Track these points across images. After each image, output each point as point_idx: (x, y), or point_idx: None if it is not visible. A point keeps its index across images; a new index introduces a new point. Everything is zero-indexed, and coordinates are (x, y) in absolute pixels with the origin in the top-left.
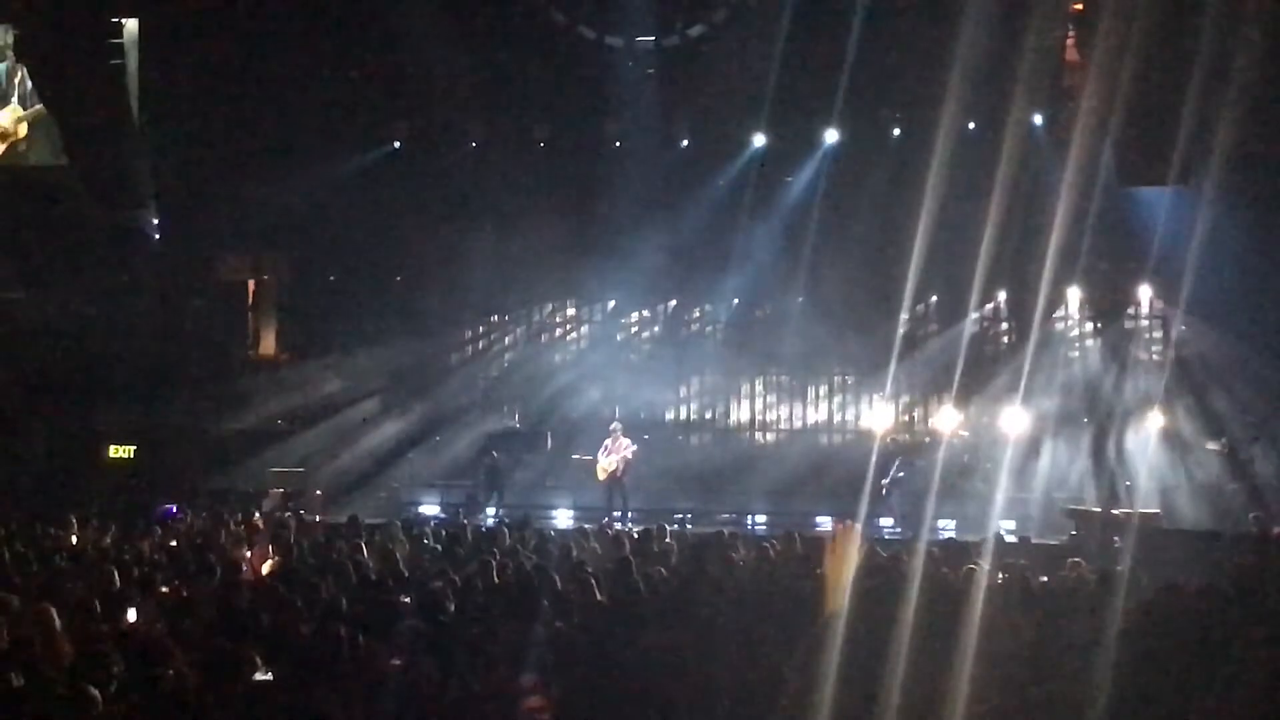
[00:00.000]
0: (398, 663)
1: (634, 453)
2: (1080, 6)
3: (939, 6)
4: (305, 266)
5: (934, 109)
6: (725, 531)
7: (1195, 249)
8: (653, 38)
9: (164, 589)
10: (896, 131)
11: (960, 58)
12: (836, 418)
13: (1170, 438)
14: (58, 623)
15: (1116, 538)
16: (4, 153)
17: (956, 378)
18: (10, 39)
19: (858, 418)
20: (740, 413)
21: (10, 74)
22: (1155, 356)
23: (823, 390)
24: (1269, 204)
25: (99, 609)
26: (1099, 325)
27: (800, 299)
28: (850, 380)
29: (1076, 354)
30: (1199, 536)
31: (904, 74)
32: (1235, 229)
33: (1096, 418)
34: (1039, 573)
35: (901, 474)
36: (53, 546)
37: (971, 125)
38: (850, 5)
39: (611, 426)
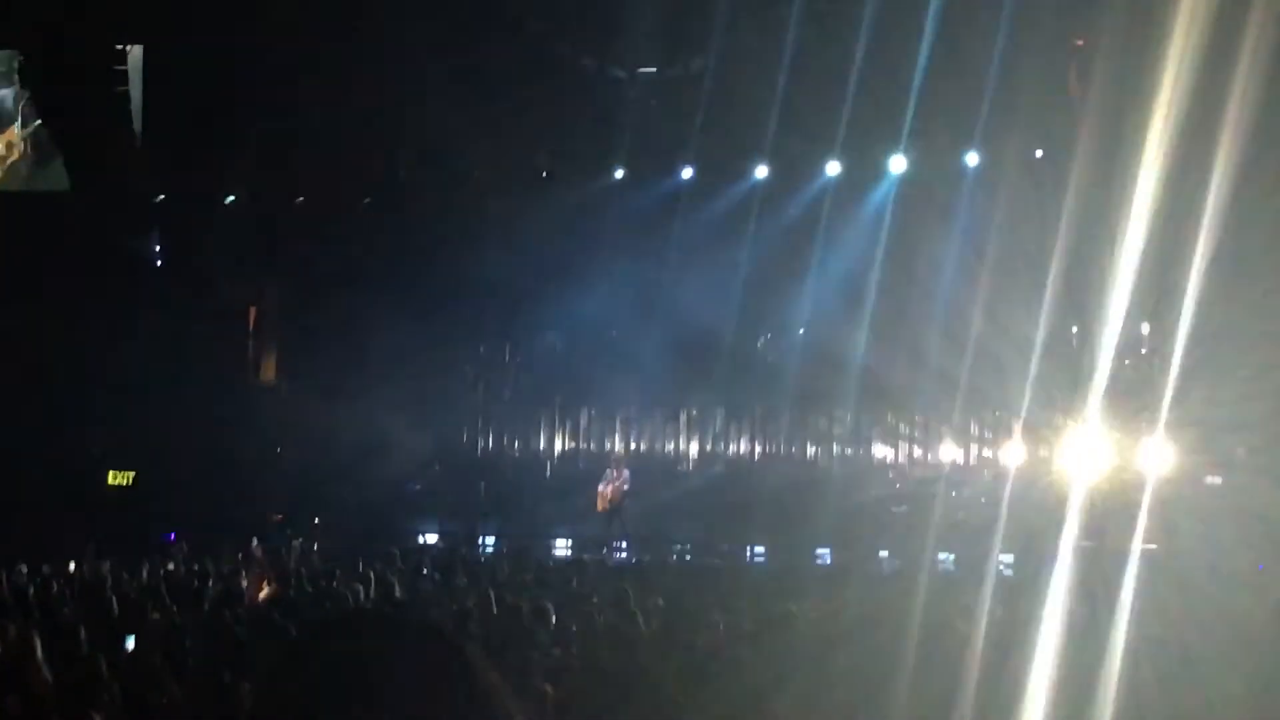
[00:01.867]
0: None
1: (628, 482)
2: (1081, 41)
3: (941, 37)
4: (306, 293)
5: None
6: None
7: None
8: (655, 68)
9: (160, 616)
10: (892, 161)
11: (966, 88)
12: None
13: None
14: (39, 650)
15: None
16: (4, 176)
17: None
18: (15, 64)
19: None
20: (742, 444)
21: (16, 99)
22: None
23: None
24: None
25: (96, 636)
26: None
27: (801, 331)
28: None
29: None
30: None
31: (911, 103)
32: None
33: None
34: None
35: None
36: (51, 572)
37: (1038, 153)
38: (853, 36)
39: (614, 456)
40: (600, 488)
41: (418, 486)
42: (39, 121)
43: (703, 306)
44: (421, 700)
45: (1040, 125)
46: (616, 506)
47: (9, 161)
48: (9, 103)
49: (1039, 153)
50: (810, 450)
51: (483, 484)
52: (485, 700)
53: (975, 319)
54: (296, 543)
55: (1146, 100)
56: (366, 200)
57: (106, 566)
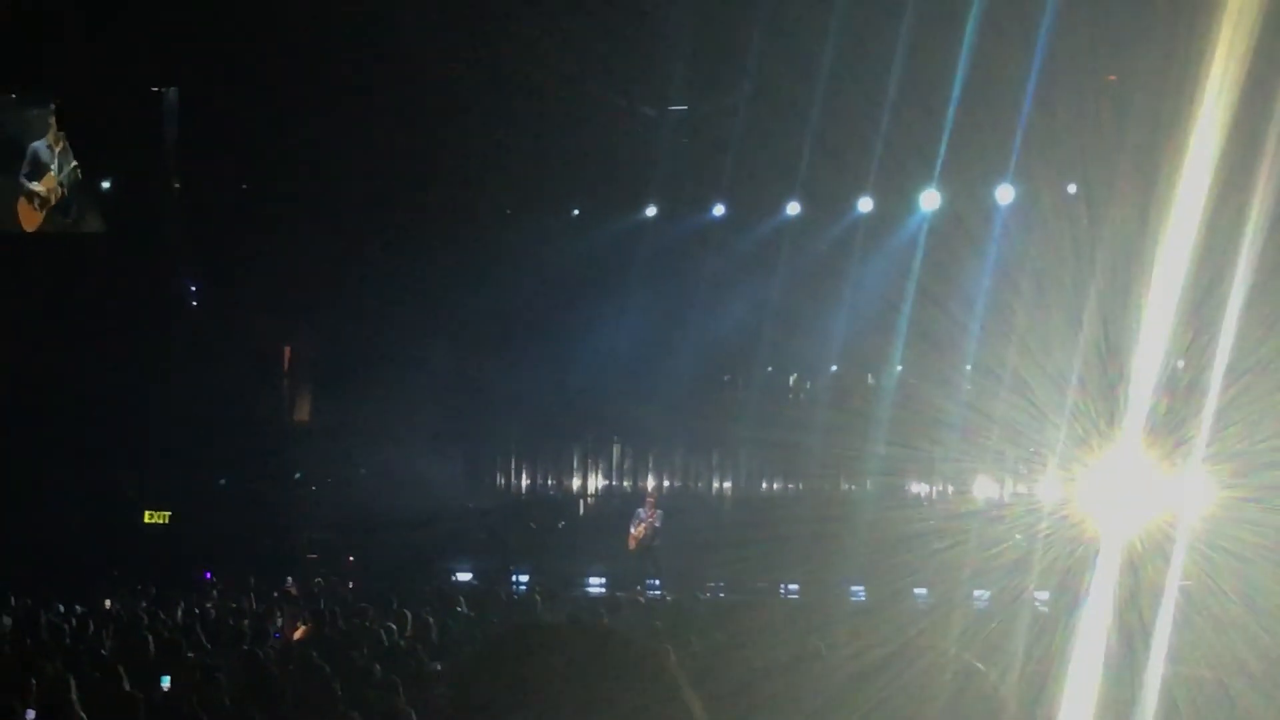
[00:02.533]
0: None
1: (660, 520)
2: (1114, 77)
3: (973, 73)
4: (341, 333)
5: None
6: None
7: None
8: (686, 106)
9: (195, 655)
10: (924, 197)
11: (998, 124)
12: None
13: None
14: (74, 690)
15: None
16: (44, 220)
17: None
18: (51, 108)
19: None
20: (775, 480)
21: (52, 144)
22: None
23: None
24: None
25: (132, 675)
26: None
27: (834, 368)
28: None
29: None
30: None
31: (944, 139)
32: None
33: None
34: None
35: None
36: (87, 612)
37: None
38: (884, 73)
39: (646, 496)
40: (632, 528)
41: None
42: (74, 164)
43: (734, 342)
44: (623, 707)
45: (1073, 160)
46: (648, 546)
47: (48, 209)
48: (43, 153)
49: (1072, 188)
50: (843, 485)
51: (514, 525)
52: (681, 706)
53: (1009, 354)
54: (331, 581)
55: (1181, 136)
56: (400, 239)
57: (142, 605)
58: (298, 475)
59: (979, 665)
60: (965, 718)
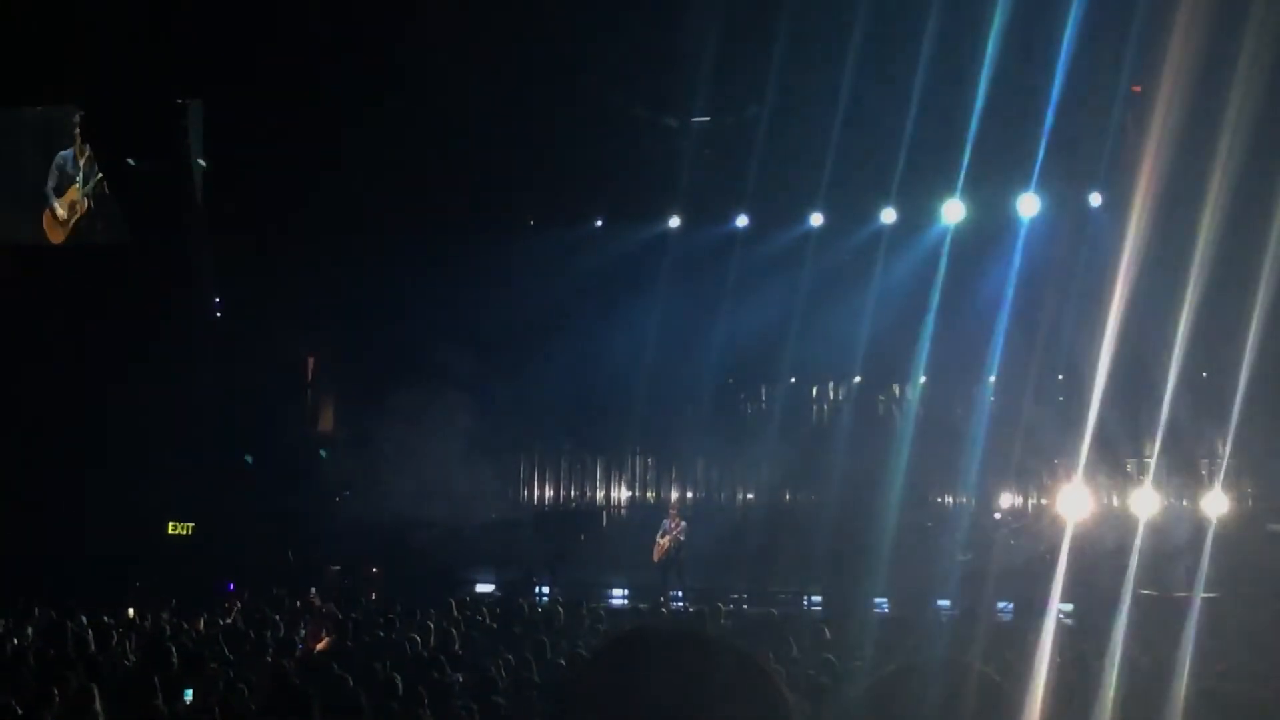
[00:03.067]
0: None
1: (685, 531)
2: (1139, 88)
3: (997, 84)
4: (364, 344)
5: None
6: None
7: None
8: (709, 117)
9: (219, 666)
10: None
11: (1022, 135)
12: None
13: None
14: (97, 701)
15: None
16: (70, 233)
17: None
18: (77, 119)
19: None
20: (798, 491)
21: (77, 155)
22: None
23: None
24: None
25: (156, 687)
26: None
27: (858, 379)
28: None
29: None
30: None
31: (966, 150)
32: None
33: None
34: None
35: None
36: (111, 623)
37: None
38: (907, 84)
39: (670, 506)
40: (658, 539)
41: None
42: (100, 175)
43: (757, 353)
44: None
45: (1097, 171)
46: (673, 557)
47: (73, 221)
48: (69, 164)
49: (1096, 198)
50: (867, 497)
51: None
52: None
53: (1032, 365)
54: (354, 592)
55: (1204, 146)
56: (423, 250)
57: (166, 616)
58: (338, 497)
59: (997, 678)
60: None
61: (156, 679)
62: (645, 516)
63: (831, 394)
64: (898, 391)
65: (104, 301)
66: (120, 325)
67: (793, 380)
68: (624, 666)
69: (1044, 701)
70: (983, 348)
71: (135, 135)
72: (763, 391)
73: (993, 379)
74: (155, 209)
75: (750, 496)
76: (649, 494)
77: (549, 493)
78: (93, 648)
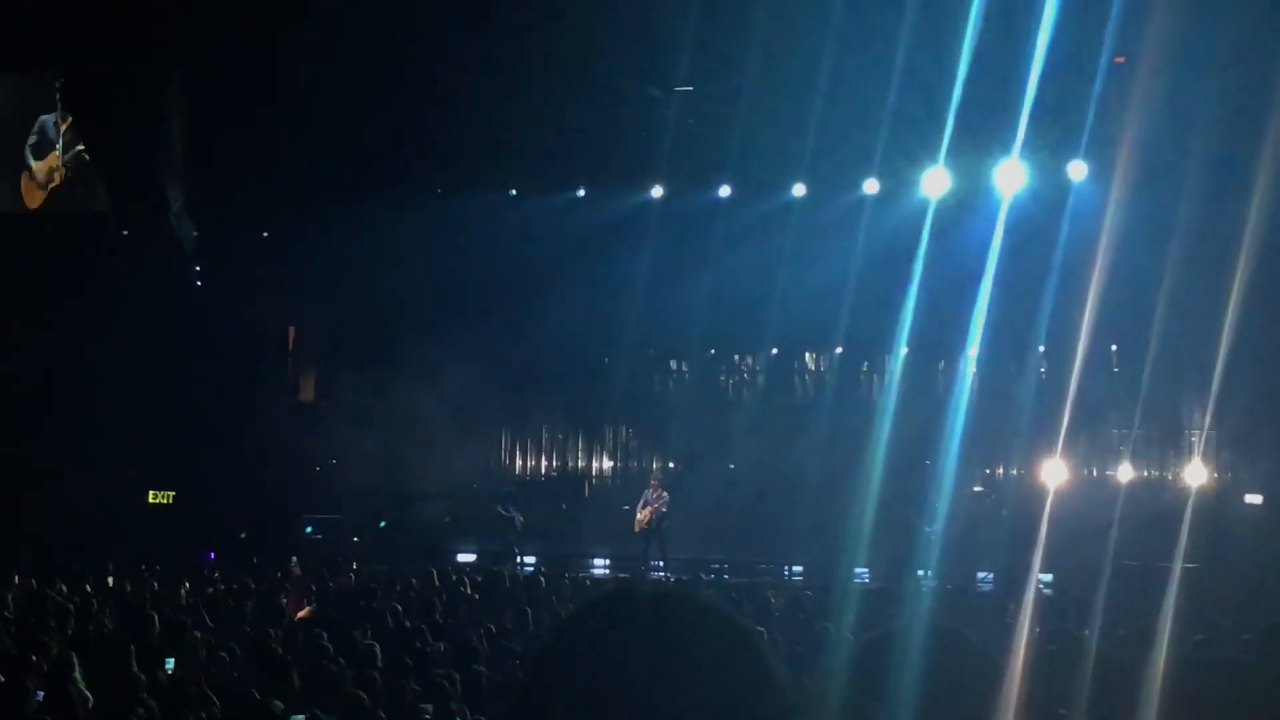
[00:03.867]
0: (429, 709)
1: (666, 503)
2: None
3: (979, 57)
4: (345, 313)
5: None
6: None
7: None
8: (692, 87)
9: (200, 635)
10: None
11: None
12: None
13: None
14: (77, 668)
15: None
16: (48, 199)
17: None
18: (57, 87)
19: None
20: (780, 463)
21: (58, 123)
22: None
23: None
24: None
25: (137, 655)
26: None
27: (839, 350)
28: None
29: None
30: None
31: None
32: None
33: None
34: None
35: None
36: (91, 591)
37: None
38: (889, 55)
39: (652, 477)
40: (638, 511)
41: (383, 525)
42: (80, 147)
43: (738, 323)
44: (714, 684)
45: (1079, 142)
46: (655, 528)
47: (51, 187)
48: (50, 129)
49: (1079, 169)
50: (850, 469)
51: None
52: (772, 686)
53: (1013, 337)
54: (336, 561)
55: (1186, 117)
56: (404, 219)
57: (147, 585)
58: (317, 469)
59: (981, 644)
60: (967, 693)
61: (136, 647)
62: (626, 486)
63: (813, 365)
64: (865, 366)
65: (83, 270)
66: (100, 294)
67: (775, 351)
68: (604, 626)
69: (1023, 670)
70: (963, 317)
71: (116, 104)
72: (745, 362)
73: (973, 351)
74: (135, 178)
75: (732, 467)
76: (631, 463)
77: (531, 463)
78: (73, 616)
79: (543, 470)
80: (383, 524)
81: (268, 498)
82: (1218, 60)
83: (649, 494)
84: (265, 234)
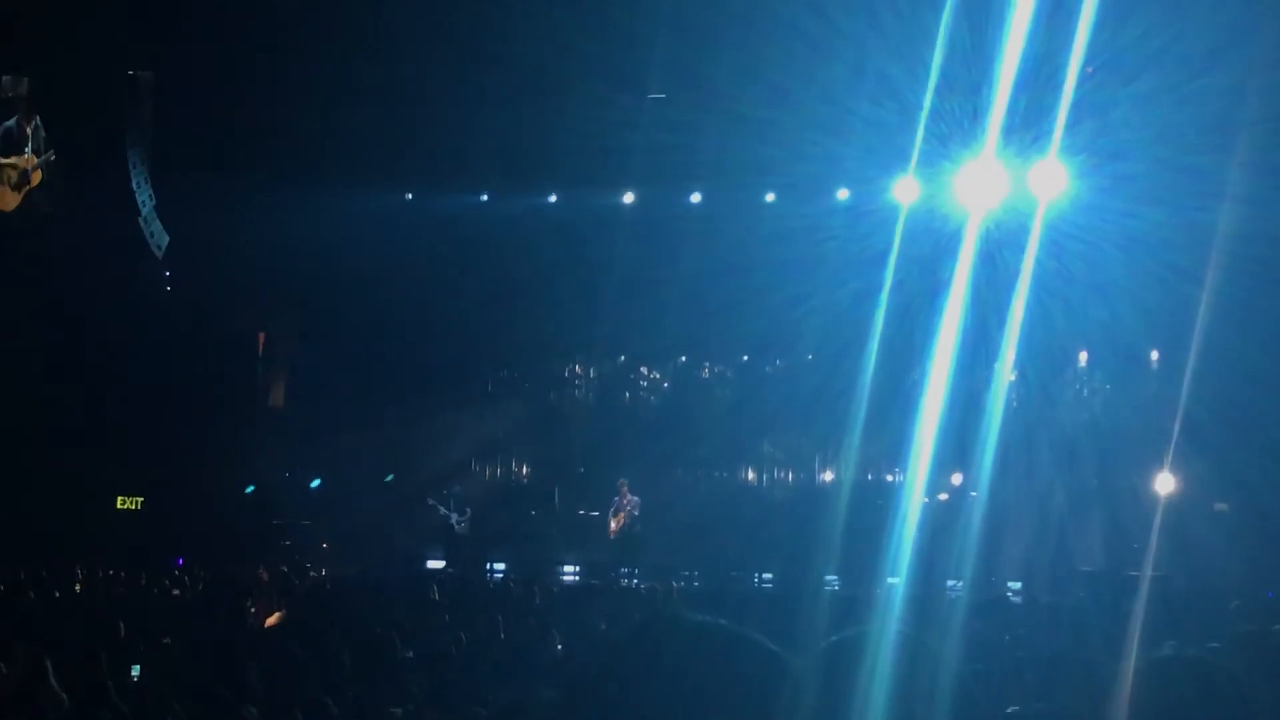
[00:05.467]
0: (398, 711)
1: (637, 505)
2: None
3: (948, 64)
4: (316, 318)
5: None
6: None
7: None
8: (664, 94)
9: (169, 640)
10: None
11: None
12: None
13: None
14: (51, 672)
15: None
16: (21, 200)
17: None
18: (24, 88)
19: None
20: (751, 470)
21: (23, 123)
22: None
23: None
24: None
25: (105, 660)
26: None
27: (810, 356)
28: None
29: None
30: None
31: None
32: None
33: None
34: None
35: None
36: (60, 597)
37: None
38: (860, 62)
39: (620, 483)
40: (611, 518)
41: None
42: (50, 152)
43: (706, 329)
44: (739, 707)
45: (1045, 149)
46: (630, 533)
47: (24, 189)
48: (14, 131)
49: (1049, 172)
50: (820, 476)
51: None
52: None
53: (980, 345)
54: (305, 567)
55: (1155, 122)
56: (374, 223)
57: (115, 591)
58: (286, 475)
59: (944, 649)
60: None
61: (104, 654)
62: (595, 493)
63: (781, 370)
64: (850, 365)
65: (51, 273)
66: (69, 298)
67: (745, 358)
68: (643, 657)
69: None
70: (932, 328)
71: (82, 104)
72: (715, 369)
73: (942, 358)
74: (104, 180)
75: (701, 474)
76: (602, 470)
77: (500, 469)
78: (42, 622)
79: (511, 476)
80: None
81: (237, 504)
82: (1190, 68)
83: (619, 500)
84: (236, 238)
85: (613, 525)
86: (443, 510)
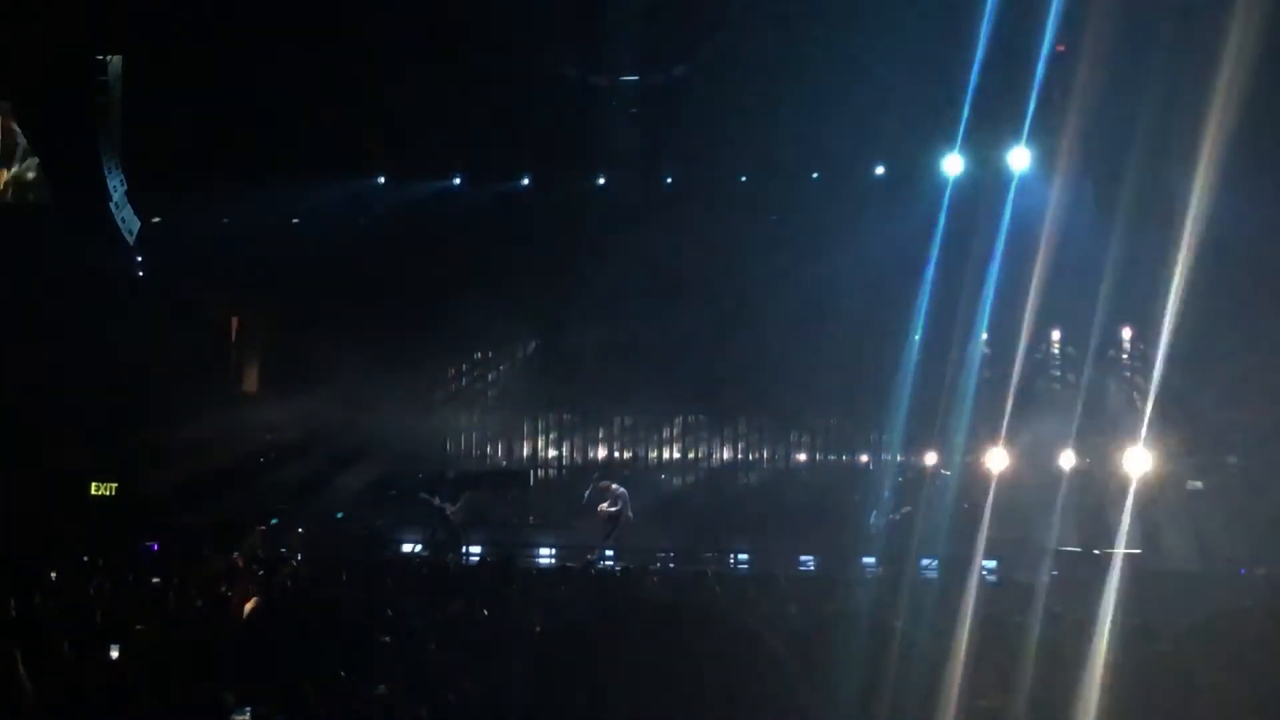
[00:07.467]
0: (380, 692)
1: (624, 497)
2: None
3: (923, 47)
4: (289, 303)
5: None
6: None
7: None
8: (637, 76)
9: (143, 627)
10: (880, 171)
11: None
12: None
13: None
14: (20, 662)
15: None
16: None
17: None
18: None
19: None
20: (724, 452)
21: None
22: (1138, 394)
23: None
24: None
25: (80, 648)
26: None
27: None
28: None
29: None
30: (1183, 578)
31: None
32: None
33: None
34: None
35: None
36: (33, 584)
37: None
38: (835, 43)
39: (600, 484)
40: (605, 508)
41: (393, 492)
42: (23, 142)
43: (681, 313)
44: (733, 692)
45: (1019, 130)
46: (619, 519)
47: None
48: None
49: (1022, 157)
50: (794, 456)
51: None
52: (789, 694)
53: (955, 329)
54: (281, 553)
55: (1130, 103)
56: (345, 207)
57: (89, 577)
58: (261, 460)
59: (917, 634)
60: (916, 681)
61: (80, 639)
62: (571, 475)
63: (758, 354)
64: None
65: (24, 261)
66: (40, 284)
67: (724, 343)
68: (609, 636)
69: (965, 658)
70: (908, 312)
71: (55, 92)
72: (693, 350)
73: (917, 339)
74: (76, 169)
75: (677, 456)
76: (576, 454)
77: (476, 451)
78: (14, 610)
79: (488, 458)
80: (340, 515)
81: (212, 489)
82: (1160, 47)
83: (607, 492)
84: (209, 223)
85: (610, 515)
86: (436, 501)
